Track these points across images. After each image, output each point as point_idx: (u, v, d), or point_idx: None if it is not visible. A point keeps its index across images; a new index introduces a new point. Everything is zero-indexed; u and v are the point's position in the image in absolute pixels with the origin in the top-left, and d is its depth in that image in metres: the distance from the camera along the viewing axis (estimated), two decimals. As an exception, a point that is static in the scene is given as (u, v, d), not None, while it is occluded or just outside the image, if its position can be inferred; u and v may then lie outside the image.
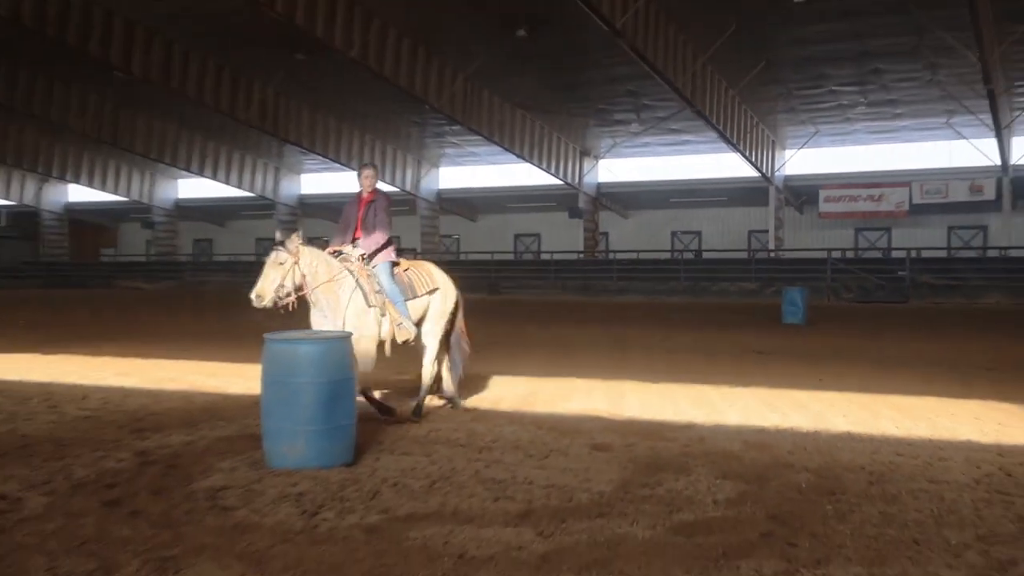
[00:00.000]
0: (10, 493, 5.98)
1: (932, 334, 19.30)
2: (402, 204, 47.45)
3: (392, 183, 44.85)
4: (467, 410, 9.27)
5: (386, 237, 9.03)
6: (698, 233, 45.10)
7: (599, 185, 43.80)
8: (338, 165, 43.03)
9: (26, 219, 55.89)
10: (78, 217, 57.06)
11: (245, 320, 20.96)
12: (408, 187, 45.57)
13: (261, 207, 50.85)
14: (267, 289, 8.14)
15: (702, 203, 43.66)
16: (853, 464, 6.82)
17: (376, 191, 9.30)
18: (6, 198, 53.83)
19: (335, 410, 6.57)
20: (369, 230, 8.96)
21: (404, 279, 9.02)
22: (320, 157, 42.12)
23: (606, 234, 45.99)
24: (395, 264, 9.03)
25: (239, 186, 47.96)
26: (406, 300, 8.89)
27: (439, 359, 9.36)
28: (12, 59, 34.89)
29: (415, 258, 9.36)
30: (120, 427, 8.29)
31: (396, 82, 29.77)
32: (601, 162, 43.41)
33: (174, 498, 5.87)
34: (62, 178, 50.27)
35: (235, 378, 11.58)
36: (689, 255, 43.67)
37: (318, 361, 6.59)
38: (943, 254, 36.61)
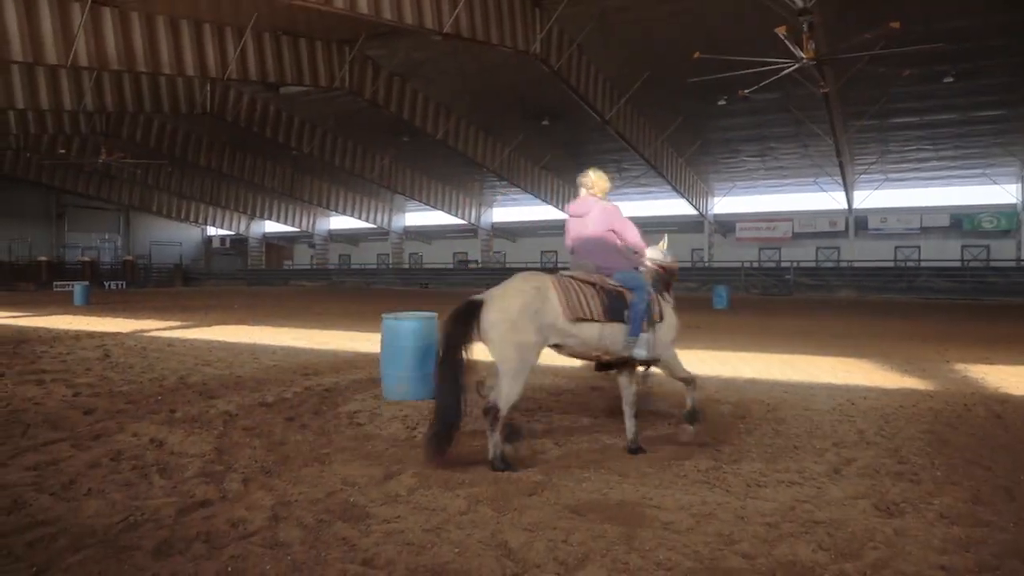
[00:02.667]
0: (230, 410, 6.11)
1: (806, 315, 19.09)
2: (469, 231, 47.46)
3: (461, 217, 44.76)
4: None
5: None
6: (659, 250, 44.71)
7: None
8: (428, 207, 43.10)
9: (239, 243, 56.47)
10: (270, 241, 57.52)
11: (370, 306, 21.23)
12: (472, 220, 45.51)
13: (379, 234, 50.96)
14: None
15: (661, 230, 42.71)
16: (756, 399, 6.79)
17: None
18: (228, 229, 54.55)
19: (425, 364, 6.58)
20: None
21: None
22: (417, 202, 42.23)
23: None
24: None
25: (366, 220, 48.06)
26: None
27: None
28: (233, 147, 35.47)
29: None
30: (294, 371, 8.40)
31: (465, 153, 29.81)
32: (594, 204, 43.09)
33: (327, 417, 5.95)
34: (261, 217, 50.82)
35: (364, 342, 11.69)
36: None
37: (414, 332, 6.62)
38: (813, 264, 36.14)
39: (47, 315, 18.53)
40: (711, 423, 5.77)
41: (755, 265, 36.92)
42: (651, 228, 35.26)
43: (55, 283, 39.36)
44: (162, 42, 18.57)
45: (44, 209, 45.12)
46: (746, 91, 16.61)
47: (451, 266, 49.12)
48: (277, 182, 39.85)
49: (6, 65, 20.39)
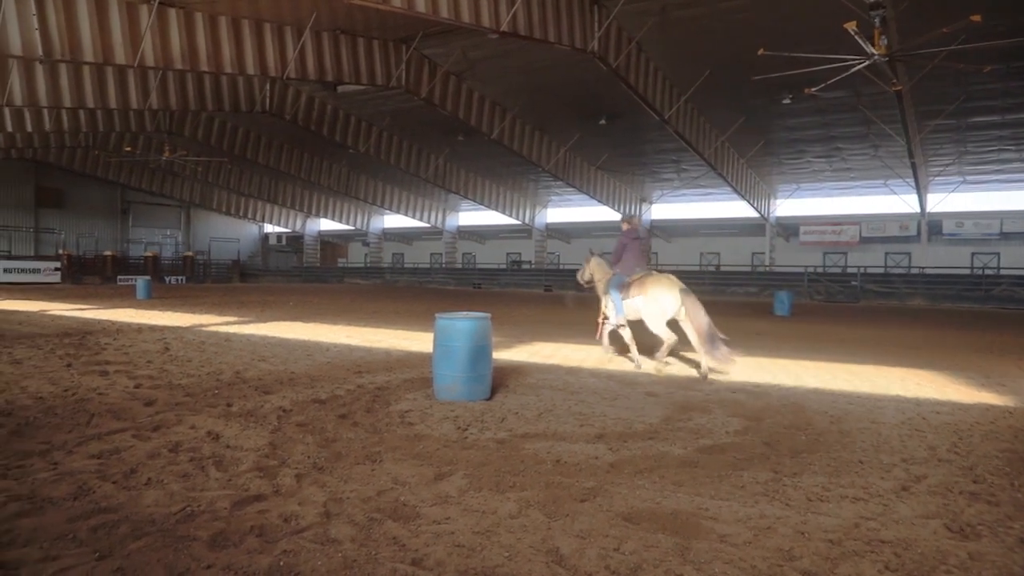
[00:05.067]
0: (285, 406, 6.24)
1: (874, 324, 18.50)
2: (523, 232, 47.52)
3: (515, 218, 44.86)
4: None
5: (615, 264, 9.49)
6: (718, 253, 43.82)
7: (651, 220, 42.91)
8: (482, 206, 43.31)
9: (295, 240, 57.77)
10: (325, 238, 58.70)
11: (422, 305, 21.40)
12: (527, 220, 45.55)
13: (433, 233, 51.45)
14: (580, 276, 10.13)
15: (720, 233, 42.35)
16: (819, 410, 6.58)
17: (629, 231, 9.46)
18: (285, 227, 55.88)
19: (478, 364, 6.63)
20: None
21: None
22: (471, 201, 42.47)
23: (656, 253, 45.08)
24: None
25: (420, 219, 48.58)
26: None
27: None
28: (290, 145, 36.35)
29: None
30: (347, 369, 8.53)
31: (520, 153, 29.86)
32: (653, 205, 42.58)
33: (378, 415, 6.02)
34: (316, 215, 51.89)
35: (416, 341, 11.82)
36: (711, 268, 42.54)
37: (469, 332, 6.64)
38: (881, 270, 34.98)
39: (111, 308, 19.30)
40: (770, 433, 5.64)
41: (819, 270, 35.96)
42: (709, 231, 34.65)
43: (119, 277, 40.94)
44: (224, 42, 19.14)
45: (110, 205, 46.96)
46: (813, 89, 16.20)
47: (504, 267, 49.25)
48: (333, 180, 40.66)
49: (78, 66, 21.38)
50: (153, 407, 6.11)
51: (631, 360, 9.32)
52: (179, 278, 44.81)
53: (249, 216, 52.58)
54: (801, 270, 35.26)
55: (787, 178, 35.38)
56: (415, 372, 8.36)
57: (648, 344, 10.04)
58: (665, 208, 42.98)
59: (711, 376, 8.36)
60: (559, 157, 32.21)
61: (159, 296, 26.02)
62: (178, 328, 13.57)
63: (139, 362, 8.77)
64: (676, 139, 26.22)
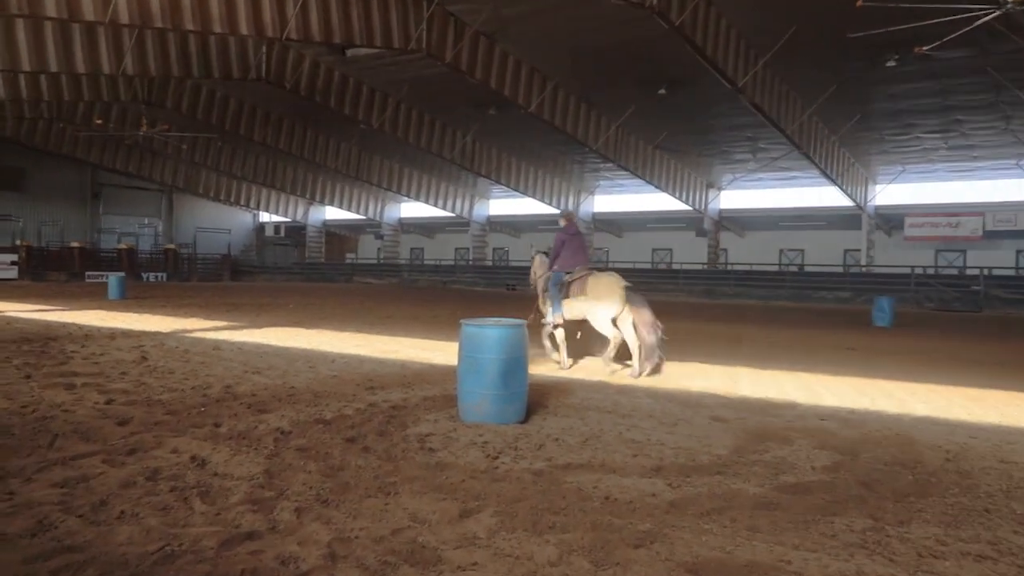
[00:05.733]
0: (283, 427, 6.31)
1: (1002, 339, 18.02)
2: (565, 223, 47.50)
3: (557, 206, 44.90)
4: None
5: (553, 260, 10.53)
6: (801, 250, 43.36)
7: (720, 211, 42.59)
8: (517, 193, 43.39)
9: (296, 231, 58.53)
10: (331, 230, 59.38)
11: (445, 309, 21.41)
12: (570, 209, 45.63)
13: (458, 224, 51.73)
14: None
15: (805, 226, 41.95)
16: (931, 444, 6.40)
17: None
18: (284, 216, 56.64)
19: (511, 380, 6.62)
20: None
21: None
22: (504, 187, 42.56)
23: (725, 250, 44.66)
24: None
25: (443, 208, 48.87)
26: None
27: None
28: (291, 120, 36.83)
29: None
30: (357, 384, 8.59)
31: (563, 129, 29.85)
32: (722, 192, 42.27)
33: (393, 439, 6.04)
34: (321, 202, 52.52)
35: (438, 352, 11.87)
36: (793, 268, 42.10)
37: (500, 342, 6.63)
38: (1011, 272, 34.18)
39: (79, 309, 19.70)
40: (868, 471, 5.53)
41: (930, 271, 35.30)
42: (791, 223, 34.21)
43: (88, 273, 41.84)
44: (214, -5, 19.46)
45: (78, 188, 47.94)
46: (925, 48, 15.86)
47: (543, 265, 49.18)
48: (341, 161, 41.08)
49: (39, 22, 21.84)
50: (128, 427, 6.20)
51: (558, 364, 10.34)
52: (159, 275, 45.67)
53: (242, 203, 53.36)
54: (906, 271, 34.65)
55: (890, 159, 34.71)
56: (436, 389, 8.38)
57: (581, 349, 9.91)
58: (737, 196, 42.65)
59: (723, 394, 8.47)
60: (609, 135, 32.14)
61: (135, 296, 26.51)
62: (158, 334, 13.79)
63: (111, 374, 8.93)
64: (751, 112, 25.98)
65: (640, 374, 9.54)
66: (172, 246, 49.53)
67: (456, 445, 5.91)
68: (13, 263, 39.19)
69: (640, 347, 9.59)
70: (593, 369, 10.33)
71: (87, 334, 13.45)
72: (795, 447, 6.19)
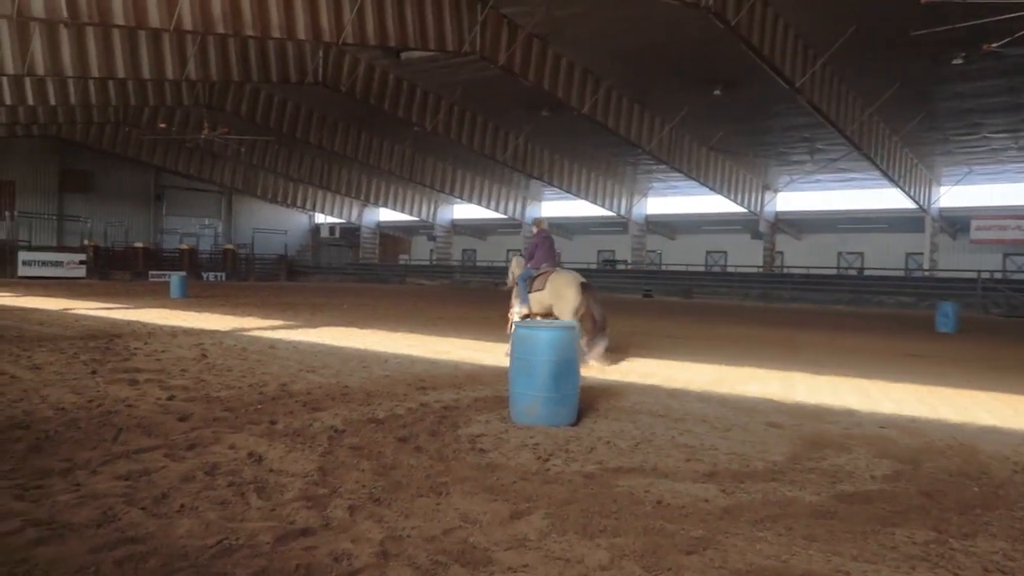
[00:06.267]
0: (337, 425, 6.38)
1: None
2: (617, 226, 47.26)
3: (609, 209, 44.69)
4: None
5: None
6: (861, 254, 42.51)
7: (777, 213, 41.99)
8: (569, 195, 43.31)
9: (350, 232, 59.18)
10: (385, 231, 59.94)
11: (497, 311, 21.43)
12: (622, 212, 45.30)
13: (511, 226, 51.80)
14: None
15: (865, 229, 41.11)
16: (998, 454, 6.18)
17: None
18: (339, 217, 57.34)
19: (563, 382, 6.59)
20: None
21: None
22: (556, 189, 42.50)
23: (782, 253, 44.02)
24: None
25: (495, 210, 48.99)
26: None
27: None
28: (346, 123, 37.31)
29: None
30: (409, 384, 8.64)
31: (616, 131, 29.73)
32: (779, 194, 41.66)
33: (445, 440, 6.07)
34: (375, 204, 53.07)
35: (490, 353, 11.89)
36: (852, 272, 41.27)
37: (552, 344, 6.61)
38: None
39: (142, 308, 20.22)
40: (930, 481, 5.38)
41: (997, 276, 34.26)
42: (850, 226, 33.42)
43: (151, 272, 42.88)
44: (272, 1, 19.79)
45: (142, 190, 49.18)
46: (995, 44, 15.37)
47: (595, 266, 49.10)
48: (395, 164, 41.46)
49: (108, 30, 22.49)
50: (188, 422, 6.33)
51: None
52: (218, 274, 46.58)
53: (298, 205, 54.19)
54: (972, 275, 33.67)
55: (955, 160, 33.74)
56: (488, 390, 8.40)
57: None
58: (794, 198, 41.98)
59: (779, 399, 8.39)
60: (663, 136, 31.92)
61: (196, 295, 27.08)
62: (217, 332, 14.08)
63: (173, 370, 9.13)
64: (809, 112, 25.55)
65: (588, 363, 10.20)
66: (231, 246, 50.47)
67: (507, 446, 5.91)
68: (81, 262, 40.29)
69: (589, 337, 10.44)
70: (644, 372, 10.26)
71: (150, 332, 13.78)
72: (853, 455, 6.05)
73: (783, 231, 42.98)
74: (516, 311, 11.82)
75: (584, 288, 10.71)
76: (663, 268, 47.51)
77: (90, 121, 35.53)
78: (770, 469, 5.56)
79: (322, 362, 10.30)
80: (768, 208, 41.52)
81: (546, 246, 11.93)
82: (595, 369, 10.12)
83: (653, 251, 48.53)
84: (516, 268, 12.42)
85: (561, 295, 10.77)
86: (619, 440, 6.23)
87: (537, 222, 12.43)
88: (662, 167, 36.75)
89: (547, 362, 6.58)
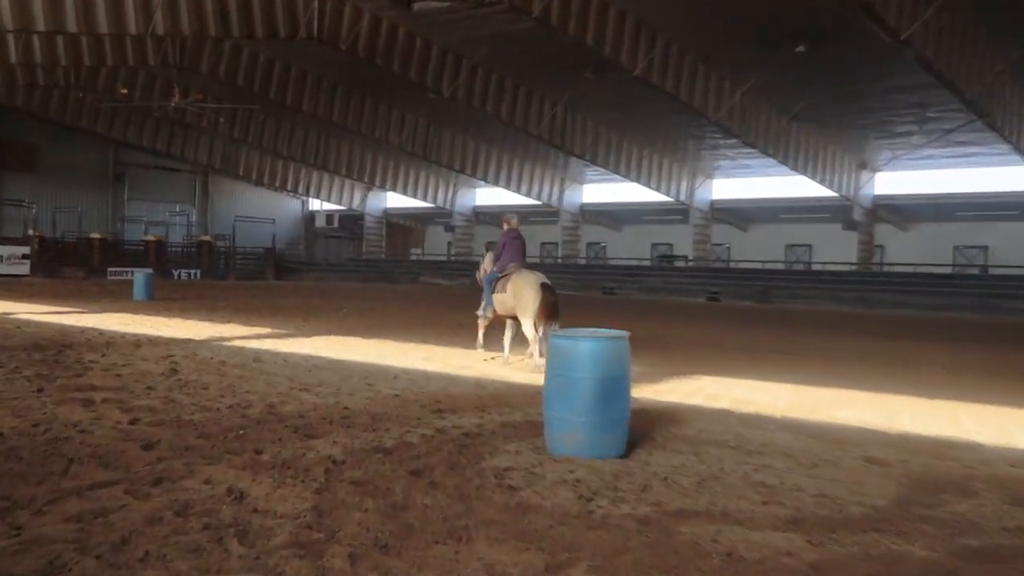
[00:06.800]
0: (335, 455, 6.36)
1: None
2: (676, 213, 47.11)
3: (667, 194, 44.57)
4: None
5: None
6: (984, 248, 41.90)
7: (875, 197, 41.56)
8: (617, 177, 43.21)
9: (351, 221, 59.49)
10: (393, 220, 60.20)
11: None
12: (682, 198, 45.17)
13: (546, 214, 51.79)
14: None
15: (991, 217, 40.52)
16: None
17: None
18: (338, 203, 57.63)
19: (610, 405, 6.54)
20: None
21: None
22: (601, 169, 42.40)
23: (882, 247, 43.58)
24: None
25: (528, 195, 49.07)
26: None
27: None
28: (347, 88, 37.45)
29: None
30: (422, 406, 8.62)
31: (676, 96, 29.59)
32: (879, 174, 41.24)
33: (466, 474, 6.03)
34: (381, 187, 53.29)
35: (519, 369, 11.89)
36: (974, 270, 40.68)
37: (597, 358, 6.56)
38: None
39: (99, 312, 20.40)
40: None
41: None
42: (971, 214, 32.75)
43: (110, 269, 43.36)
44: (259, -59, 19.94)
45: (99, 168, 49.67)
46: None
47: (648, 263, 49.03)
48: (405, 138, 41.62)
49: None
50: (154, 452, 6.36)
51: (488, 357, 13.11)
52: (192, 272, 47.06)
53: (289, 188, 54.59)
54: None
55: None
56: (518, 413, 8.38)
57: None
58: (897, 179, 41.55)
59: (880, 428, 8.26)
60: (733, 103, 31.69)
61: (165, 296, 27.31)
62: (190, 342, 14.18)
63: (136, 388, 9.19)
64: (918, 71, 25.21)
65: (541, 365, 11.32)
66: (207, 238, 50.87)
67: (542, 483, 5.87)
68: (24, 256, 40.64)
69: (543, 335, 11.56)
70: (711, 393, 10.18)
71: (108, 341, 13.90)
72: (978, 501, 5.92)
73: (884, 220, 42.51)
74: (479, 313, 13.44)
75: (544, 289, 11.79)
76: (732, 265, 47.27)
77: (34, 84, 35.79)
78: (870, 516, 5.47)
79: (318, 379, 10.33)
80: (864, 191, 41.10)
81: (515, 246, 13.27)
82: (650, 388, 10.06)
83: (720, 244, 48.34)
84: (488, 264, 13.69)
85: (520, 295, 12.02)
86: (680, 476, 6.16)
87: (507, 220, 13.74)
88: (731, 142, 36.56)
89: (590, 379, 6.53)
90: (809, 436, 7.83)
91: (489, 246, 13.96)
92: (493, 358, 13.07)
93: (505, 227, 13.57)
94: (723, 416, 8.73)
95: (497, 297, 12.71)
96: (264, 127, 44.49)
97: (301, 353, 13.09)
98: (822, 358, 15.22)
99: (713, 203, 46.56)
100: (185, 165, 51.14)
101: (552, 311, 11.70)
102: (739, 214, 47.59)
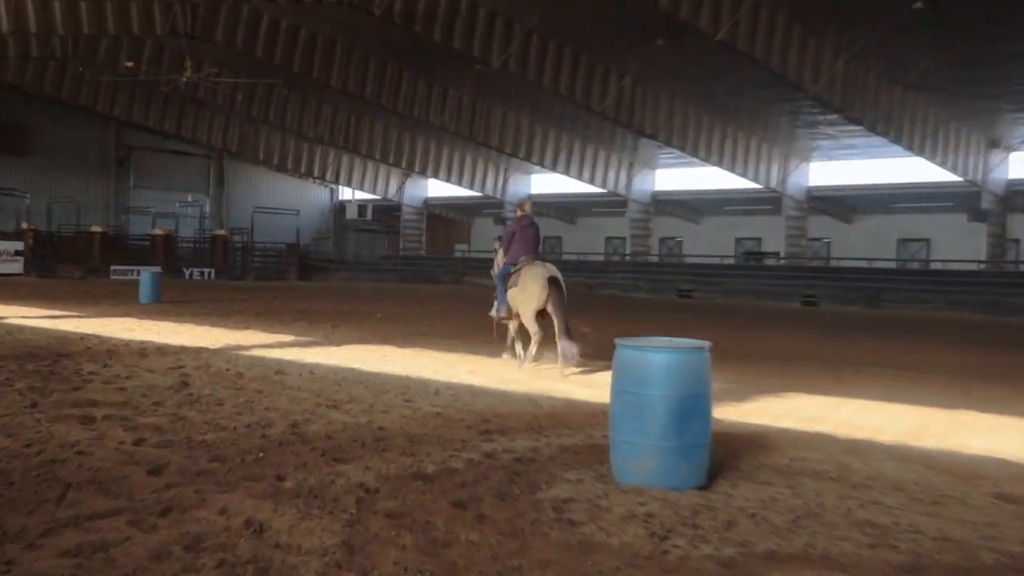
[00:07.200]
0: (368, 483, 6.38)
1: None
2: (765, 203, 46.71)
3: (755, 180, 44.15)
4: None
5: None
6: None
7: (1008, 182, 40.66)
8: (696, 160, 42.90)
9: (386, 213, 59.67)
10: (434, 211, 60.34)
11: (593, 321, 21.32)
12: (774, 184, 44.68)
13: (612, 204, 51.61)
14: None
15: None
16: None
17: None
18: (371, 192, 57.78)
19: (688, 427, 6.49)
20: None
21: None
22: (676, 151, 42.13)
23: (1017, 241, 42.74)
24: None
25: (590, 182, 48.90)
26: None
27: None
28: (381, 59, 37.53)
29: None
30: (468, 427, 8.65)
31: (766, 65, 29.22)
32: (1013, 154, 40.41)
33: (519, 506, 6.02)
34: (421, 173, 53.36)
35: (582, 383, 11.88)
36: None
37: (672, 372, 6.52)
38: None
39: (99, 316, 20.74)
40: None
41: None
42: None
43: (113, 267, 43.83)
44: None
45: (100, 153, 50.32)
46: None
47: (732, 261, 48.70)
48: (449, 117, 41.67)
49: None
50: (161, 477, 6.42)
51: (515, 360, 13.80)
52: (205, 271, 47.47)
53: (315, 174, 54.91)
54: None
55: None
56: (579, 435, 8.37)
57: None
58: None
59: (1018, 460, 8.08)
60: (835, 72, 31.20)
61: (174, 299, 27.64)
62: (203, 351, 14.34)
63: (141, 404, 9.31)
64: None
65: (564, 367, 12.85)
66: (222, 232, 51.13)
67: (608, 517, 5.85)
68: (17, 253, 41.12)
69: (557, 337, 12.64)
70: (807, 415, 10.08)
71: (110, 349, 14.10)
72: None
73: (1020, 209, 41.61)
74: (492, 314, 14.18)
75: (551, 283, 12.64)
76: (833, 264, 46.75)
77: (26, 56, 36.15)
78: (1005, 565, 5.34)
79: (348, 394, 10.40)
80: (996, 175, 40.25)
81: (526, 235, 13.83)
82: (733, 408, 9.98)
83: (818, 239, 47.80)
84: (500, 259, 14.42)
85: (525, 289, 12.87)
86: (771, 513, 6.10)
87: (521, 204, 14.71)
88: (832, 117, 36.03)
89: (665, 397, 6.49)
90: (928, 467, 7.67)
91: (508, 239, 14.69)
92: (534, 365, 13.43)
93: (518, 213, 14.35)
94: (822, 442, 8.62)
95: (511, 293, 13.33)
96: (287, 104, 44.74)
97: (329, 364, 13.19)
98: (943, 375, 14.98)
99: (810, 190, 46.00)
100: (197, 148, 51.65)
101: (558, 309, 12.56)
102: (841, 203, 46.95)
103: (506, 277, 13.56)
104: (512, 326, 13.87)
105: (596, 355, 12.86)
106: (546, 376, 12.77)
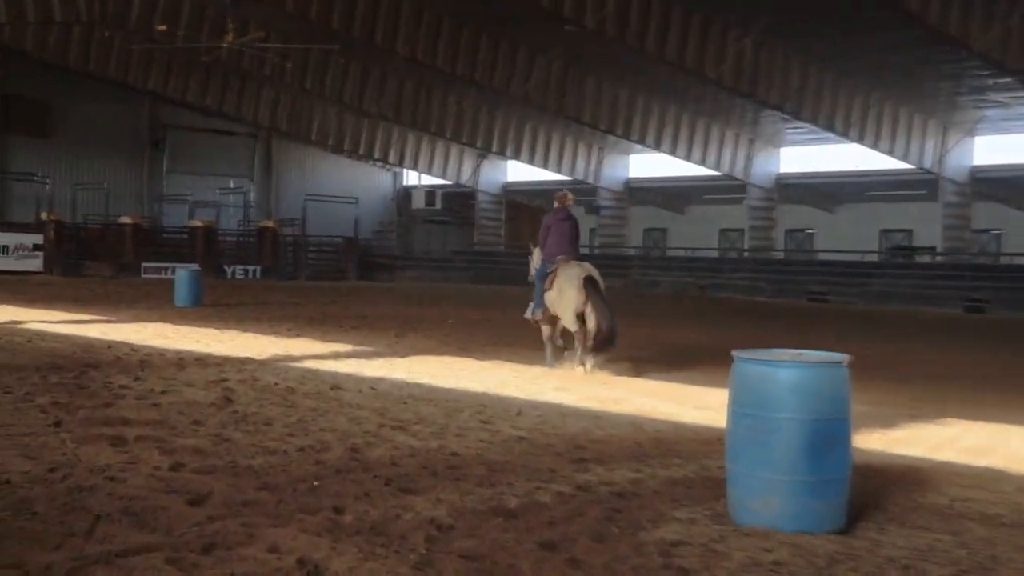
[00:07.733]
0: (440, 518, 6.41)
1: None
2: (918, 187, 45.84)
3: (904, 159, 43.21)
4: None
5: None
6: None
7: None
8: (831, 135, 42.30)
9: (459, 201, 59.76)
10: (516, 199, 60.32)
11: (702, 331, 21.27)
12: (927, 164, 43.45)
13: (728, 190, 51.23)
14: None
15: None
16: None
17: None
18: (441, 176, 57.81)
19: (823, 458, 6.39)
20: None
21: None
22: (807, 124, 41.59)
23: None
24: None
25: (702, 163, 48.52)
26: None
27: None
28: (454, 20, 37.47)
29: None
30: (557, 454, 8.65)
31: (922, 19, 28.59)
32: None
33: (619, 549, 5.99)
34: (501, 154, 53.33)
35: (692, 405, 11.78)
36: None
37: (804, 392, 6.43)
38: None
39: (131, 321, 21.14)
40: None
41: None
42: None
43: (144, 265, 44.46)
44: None
45: (131, 132, 51.05)
46: None
47: (876, 257, 48.12)
48: (534, 88, 41.61)
49: None
50: (203, 508, 6.51)
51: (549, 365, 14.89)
52: (250, 269, 48.01)
53: (376, 156, 55.26)
54: None
55: None
56: (690, 466, 8.33)
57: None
58: None
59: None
60: (1010, 24, 30.31)
61: (215, 301, 28.06)
62: (248, 362, 14.54)
63: (179, 423, 9.46)
64: None
65: (591, 370, 14.04)
66: (270, 223, 51.41)
67: (725, 565, 5.80)
68: (36, 247, 41.71)
69: (590, 341, 13.71)
70: (970, 446, 9.92)
71: (143, 360, 14.36)
72: None
73: None
74: (527, 316, 15.31)
75: (588, 284, 13.58)
76: (1005, 261, 45.89)
77: (48, 21, 36.67)
78: None
79: (415, 413, 10.47)
80: None
81: (562, 230, 14.87)
82: (877, 436, 9.87)
83: (986, 231, 46.99)
84: (536, 258, 15.46)
85: (562, 295, 13.90)
86: (928, 564, 5.96)
87: (560, 197, 15.47)
88: (1005, 81, 35.17)
89: (795, 421, 6.41)
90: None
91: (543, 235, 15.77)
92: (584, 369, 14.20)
93: (555, 205, 15.39)
94: (992, 478, 8.43)
95: (548, 296, 14.33)
96: (345, 76, 44.96)
97: (393, 379, 13.29)
98: None
99: (974, 171, 44.93)
100: (242, 127, 52.19)
101: (605, 333, 13.46)
102: (1016, 186, 45.92)
103: (544, 278, 14.56)
104: (547, 330, 15.00)
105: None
106: (652, 393, 12.71)
